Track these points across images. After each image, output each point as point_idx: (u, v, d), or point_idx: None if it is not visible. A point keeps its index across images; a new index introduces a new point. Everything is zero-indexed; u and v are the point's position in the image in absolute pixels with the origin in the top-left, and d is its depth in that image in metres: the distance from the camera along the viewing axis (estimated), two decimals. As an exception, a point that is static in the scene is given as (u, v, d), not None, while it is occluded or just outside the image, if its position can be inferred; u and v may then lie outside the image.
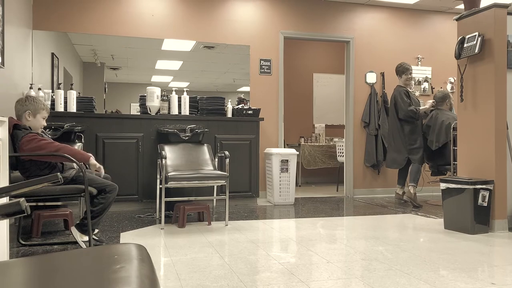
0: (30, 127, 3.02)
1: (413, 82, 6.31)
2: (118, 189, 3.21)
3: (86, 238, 3.12)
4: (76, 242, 3.32)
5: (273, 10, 5.95)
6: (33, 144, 2.88)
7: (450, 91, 6.43)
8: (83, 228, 3.13)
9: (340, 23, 6.24)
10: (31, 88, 4.57)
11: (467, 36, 3.93)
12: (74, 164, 3.11)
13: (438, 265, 2.72)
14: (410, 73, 5.39)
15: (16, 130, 2.92)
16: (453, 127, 4.81)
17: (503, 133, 3.76)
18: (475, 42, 3.81)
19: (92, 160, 2.99)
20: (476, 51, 3.78)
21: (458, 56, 3.98)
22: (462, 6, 4.21)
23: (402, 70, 5.40)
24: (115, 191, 3.19)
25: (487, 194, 3.65)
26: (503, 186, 3.75)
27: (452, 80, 6.63)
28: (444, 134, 5.04)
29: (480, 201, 3.63)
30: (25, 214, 0.94)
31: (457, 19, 4.12)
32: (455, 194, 3.75)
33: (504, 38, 3.78)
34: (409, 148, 5.22)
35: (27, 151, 2.87)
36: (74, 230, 3.14)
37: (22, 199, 0.93)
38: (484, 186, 3.65)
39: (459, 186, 3.71)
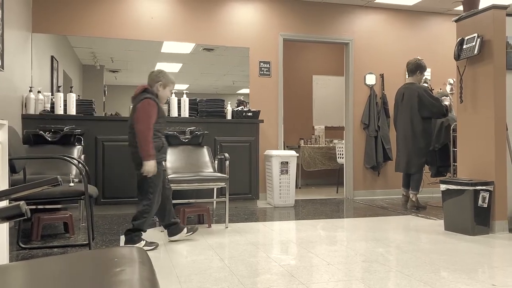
0: (157, 96, 3.32)
1: None
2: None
3: (142, 243, 3.17)
4: (76, 246, 3.32)
5: (273, 12, 5.96)
6: (143, 110, 3.14)
7: (449, 92, 6.43)
8: (133, 238, 3.17)
9: (339, 25, 6.24)
10: (30, 91, 4.58)
11: (466, 38, 3.94)
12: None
13: (439, 267, 2.71)
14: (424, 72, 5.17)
15: (144, 92, 3.27)
16: (452, 128, 4.82)
17: (502, 134, 3.76)
18: (474, 43, 3.82)
19: (148, 162, 3.11)
20: (475, 52, 3.79)
21: (457, 57, 3.98)
22: (461, 8, 4.21)
23: (424, 67, 5.07)
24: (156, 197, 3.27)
25: (487, 195, 3.65)
26: (503, 187, 3.75)
27: (452, 82, 6.62)
28: (444, 135, 5.04)
29: (480, 202, 3.63)
30: (25, 217, 0.94)
31: (456, 21, 4.12)
32: (455, 195, 3.74)
33: (503, 39, 3.79)
34: (429, 150, 5.00)
35: (139, 110, 3.15)
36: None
37: (22, 202, 0.93)
38: (484, 187, 3.65)
39: (459, 187, 3.71)
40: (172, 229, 3.43)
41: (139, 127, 3.12)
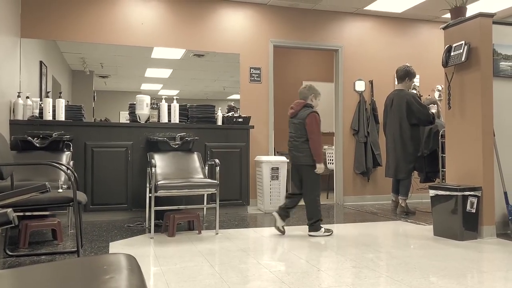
0: (313, 106, 4.00)
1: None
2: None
3: (322, 229, 3.88)
4: (64, 253, 3.28)
5: (263, 19, 5.99)
6: (315, 123, 3.85)
7: (437, 98, 6.50)
8: (317, 227, 3.87)
9: (329, 31, 6.29)
10: (19, 96, 4.54)
11: (453, 45, 3.99)
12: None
13: (428, 272, 2.73)
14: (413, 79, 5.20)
15: (306, 107, 3.95)
16: (441, 134, 4.86)
17: (490, 140, 3.81)
18: (461, 50, 3.87)
19: (320, 164, 3.86)
20: (463, 59, 3.84)
21: (445, 64, 4.03)
22: (448, 15, 4.27)
23: (413, 74, 5.10)
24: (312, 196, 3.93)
25: (475, 200, 3.68)
26: (491, 193, 3.79)
27: (440, 88, 6.71)
28: (433, 141, 5.09)
29: (468, 207, 3.66)
30: (13, 225, 0.92)
31: (444, 28, 4.18)
32: (444, 201, 3.78)
33: (490, 46, 3.85)
34: (417, 156, 5.04)
35: (311, 124, 3.84)
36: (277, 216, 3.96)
37: (9, 210, 0.91)
38: (472, 193, 3.68)
39: (447, 193, 3.74)
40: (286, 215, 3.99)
41: (314, 137, 3.82)
